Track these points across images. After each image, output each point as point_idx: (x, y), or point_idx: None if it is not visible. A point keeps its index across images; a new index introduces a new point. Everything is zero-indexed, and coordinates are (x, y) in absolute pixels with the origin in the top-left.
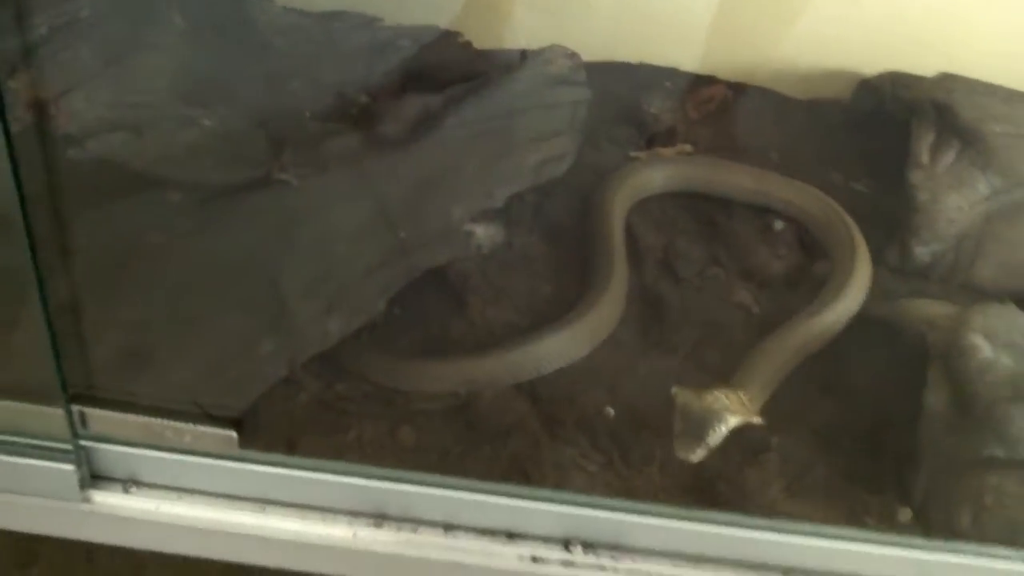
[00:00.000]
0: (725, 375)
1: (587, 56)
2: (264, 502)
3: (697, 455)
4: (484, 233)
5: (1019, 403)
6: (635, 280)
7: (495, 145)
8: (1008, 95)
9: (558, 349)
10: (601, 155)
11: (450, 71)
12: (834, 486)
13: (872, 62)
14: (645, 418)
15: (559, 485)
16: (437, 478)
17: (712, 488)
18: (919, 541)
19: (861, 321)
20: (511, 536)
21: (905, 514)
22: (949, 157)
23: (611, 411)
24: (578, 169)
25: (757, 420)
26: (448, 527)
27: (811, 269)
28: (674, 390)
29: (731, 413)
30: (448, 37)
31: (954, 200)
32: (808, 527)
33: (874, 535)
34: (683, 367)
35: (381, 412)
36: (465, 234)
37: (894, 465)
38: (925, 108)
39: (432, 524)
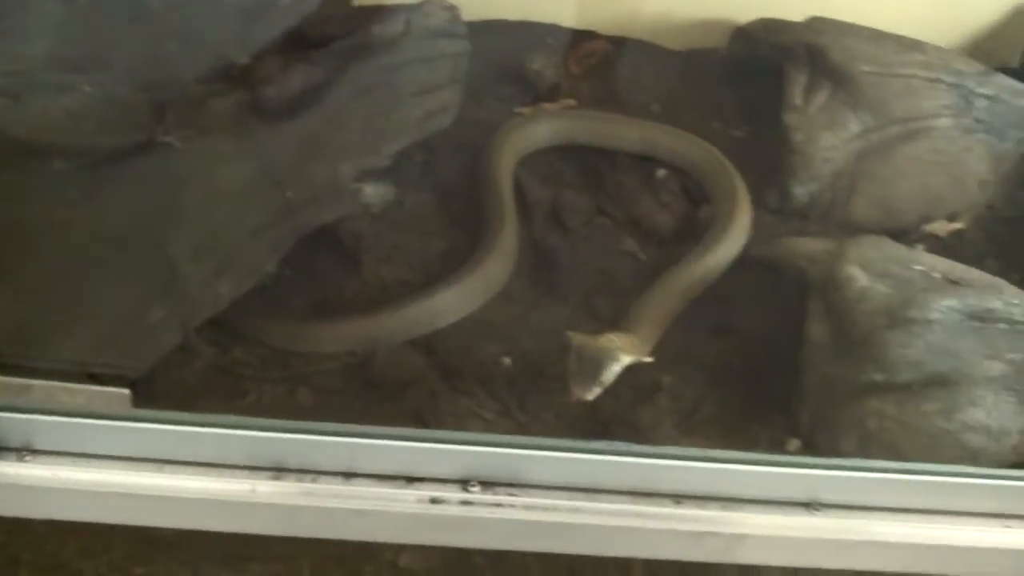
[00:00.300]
0: (616, 321)
1: (469, 15)
2: (161, 462)
3: (592, 393)
4: (374, 192)
5: (895, 329)
6: (525, 233)
7: (378, 101)
8: (875, 36)
9: (452, 303)
10: (487, 112)
11: (330, 28)
12: (724, 421)
13: (746, 10)
14: (540, 366)
15: None
16: (334, 426)
17: (607, 429)
18: (806, 459)
19: (745, 262)
20: (410, 480)
21: (793, 444)
22: (821, 98)
23: (507, 361)
24: (465, 127)
25: (647, 359)
26: (347, 475)
27: (695, 214)
28: (568, 334)
29: (623, 352)
30: None
31: (828, 139)
32: (696, 452)
33: (762, 456)
34: (575, 315)
35: (279, 375)
36: (353, 192)
37: (781, 397)
38: (797, 52)
39: (331, 473)
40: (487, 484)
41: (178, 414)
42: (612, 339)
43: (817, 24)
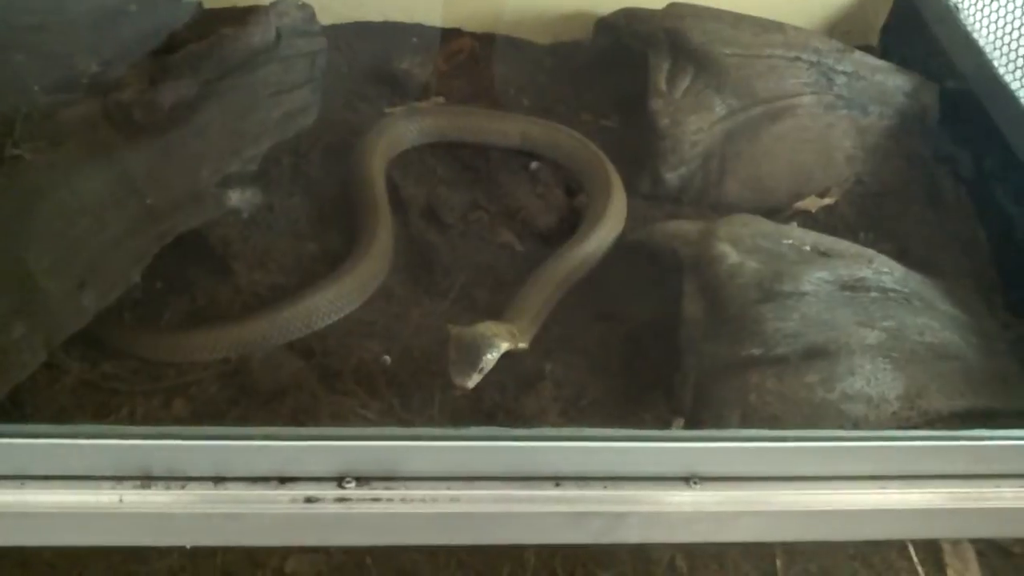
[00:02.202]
0: (496, 313)
1: (331, 18)
2: (23, 478)
3: (471, 380)
4: (241, 197)
5: (768, 303)
6: (401, 231)
7: (237, 103)
8: (735, 19)
9: (328, 304)
10: (356, 114)
11: (184, 33)
12: (609, 405)
13: (607, 1)
14: (422, 362)
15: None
16: (201, 430)
17: (491, 420)
18: (682, 433)
19: (622, 248)
20: (283, 480)
21: (678, 423)
22: (685, 82)
23: (387, 359)
24: (334, 128)
25: (523, 346)
26: (218, 479)
27: (570, 204)
28: (448, 326)
29: (500, 339)
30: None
31: (694, 122)
32: (573, 432)
33: (639, 433)
34: (454, 309)
35: (152, 387)
36: (217, 197)
37: (665, 379)
38: (658, 38)
39: (201, 479)
40: (363, 479)
41: (38, 427)
42: (490, 327)
43: (676, 10)
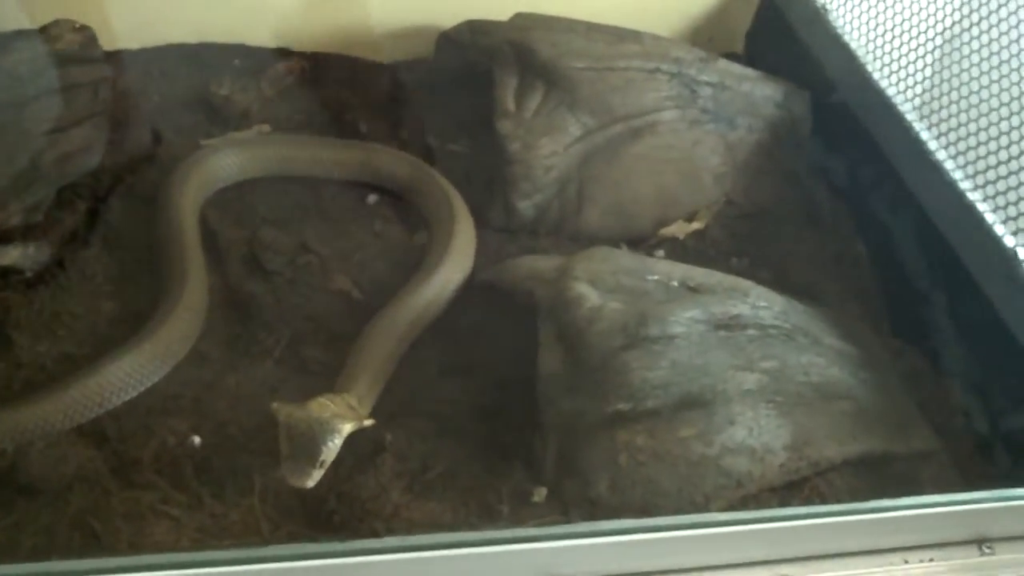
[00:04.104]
0: (329, 374)
1: (138, 42)
2: None
3: (312, 478)
4: (21, 254)
5: (633, 350)
6: (217, 281)
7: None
8: (587, 28)
9: (124, 377)
10: (169, 147)
11: None
12: (461, 477)
13: (450, 15)
14: (240, 440)
15: (135, 539)
16: None
17: (324, 508)
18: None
19: (472, 291)
20: None
21: (540, 493)
22: (535, 100)
23: (197, 440)
24: (139, 167)
25: (369, 422)
26: None
27: (411, 241)
28: (274, 406)
29: (342, 420)
30: None
31: (547, 145)
32: (400, 542)
33: (485, 535)
34: (280, 372)
35: None
36: None
37: (524, 441)
38: (504, 52)
39: None
40: None
41: None
42: (325, 405)
43: (522, 21)
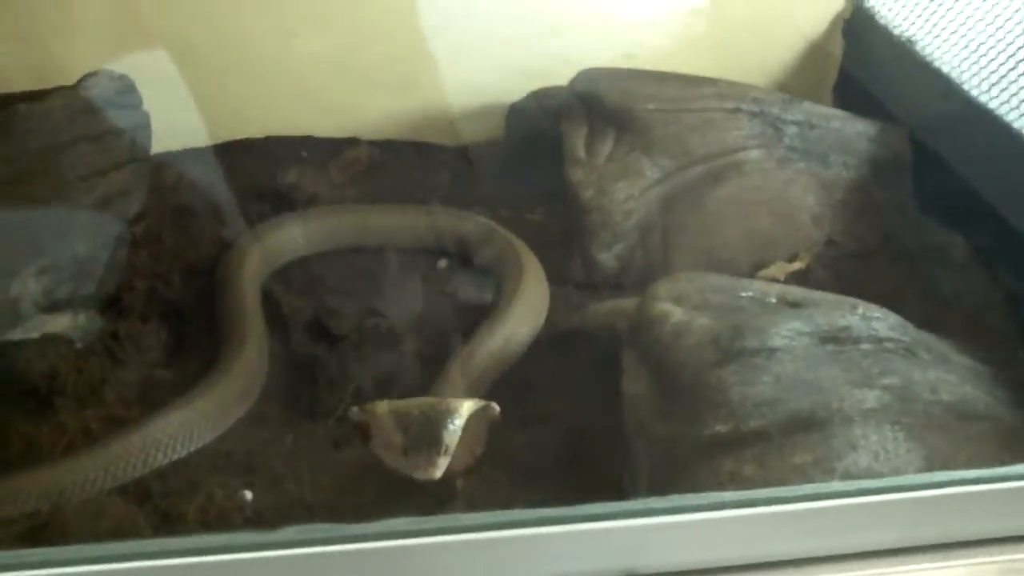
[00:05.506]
0: None
1: (204, 140)
2: None
3: (439, 467)
4: (72, 322)
5: (729, 364)
6: (280, 349)
7: (34, 192)
8: (657, 76)
9: (172, 434)
10: (230, 231)
11: None
12: None
13: (521, 90)
14: (294, 494)
15: None
16: None
17: None
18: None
19: (553, 342)
20: None
21: None
22: (607, 146)
23: (248, 495)
24: (202, 249)
25: (495, 405)
26: None
27: (480, 301)
28: (354, 410)
29: (459, 400)
30: None
31: (623, 190)
32: None
33: None
34: (341, 430)
35: None
36: (35, 321)
37: (612, 481)
38: (571, 104)
39: None
40: None
41: None
42: (431, 398)
43: (588, 74)
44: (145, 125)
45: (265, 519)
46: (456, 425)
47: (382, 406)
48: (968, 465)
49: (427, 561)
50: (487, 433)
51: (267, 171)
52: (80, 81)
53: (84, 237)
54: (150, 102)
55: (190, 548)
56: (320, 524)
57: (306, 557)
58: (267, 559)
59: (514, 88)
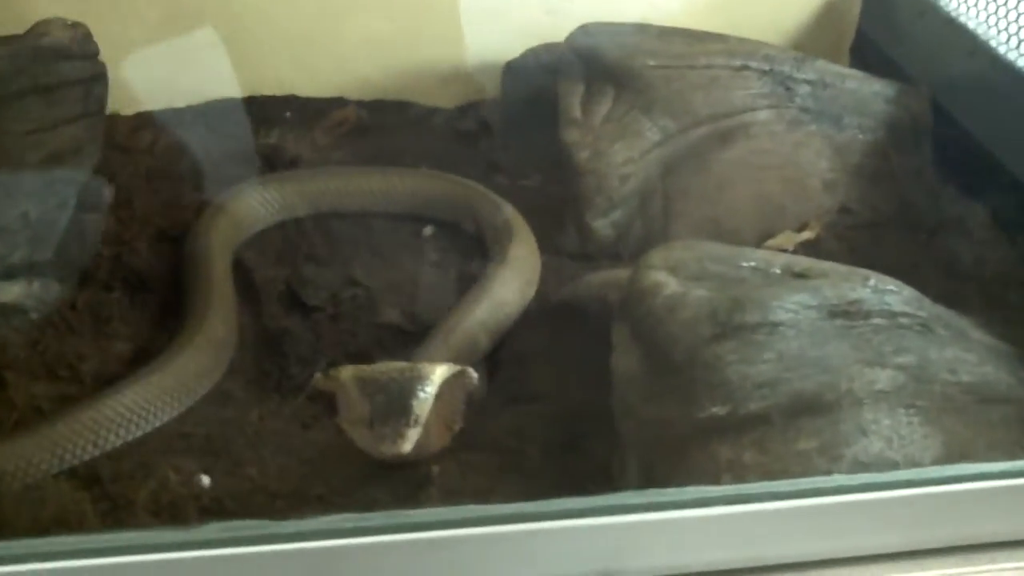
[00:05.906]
0: None
1: (183, 100)
2: None
3: (409, 439)
4: (26, 291)
5: (727, 340)
6: (251, 321)
7: None
8: (660, 31)
9: (125, 412)
10: (202, 196)
11: None
12: None
13: (518, 48)
14: (256, 479)
15: None
16: None
17: None
18: None
19: (544, 315)
20: None
21: None
22: (604, 105)
23: (205, 480)
24: (172, 214)
25: (471, 371)
26: None
27: (468, 270)
28: (317, 376)
29: (431, 365)
30: None
31: (621, 152)
32: None
33: None
34: (312, 408)
35: None
36: None
37: (601, 464)
38: (568, 61)
39: None
40: None
41: None
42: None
43: (587, 29)
44: (101, 76)
45: (224, 507)
46: (428, 392)
47: (347, 372)
48: (989, 452)
49: (368, 563)
50: (465, 405)
51: (248, 132)
52: (30, 29)
53: (33, 198)
54: (123, 60)
55: (88, 549)
56: (247, 521)
57: (225, 560)
58: (181, 560)
59: (513, 47)
